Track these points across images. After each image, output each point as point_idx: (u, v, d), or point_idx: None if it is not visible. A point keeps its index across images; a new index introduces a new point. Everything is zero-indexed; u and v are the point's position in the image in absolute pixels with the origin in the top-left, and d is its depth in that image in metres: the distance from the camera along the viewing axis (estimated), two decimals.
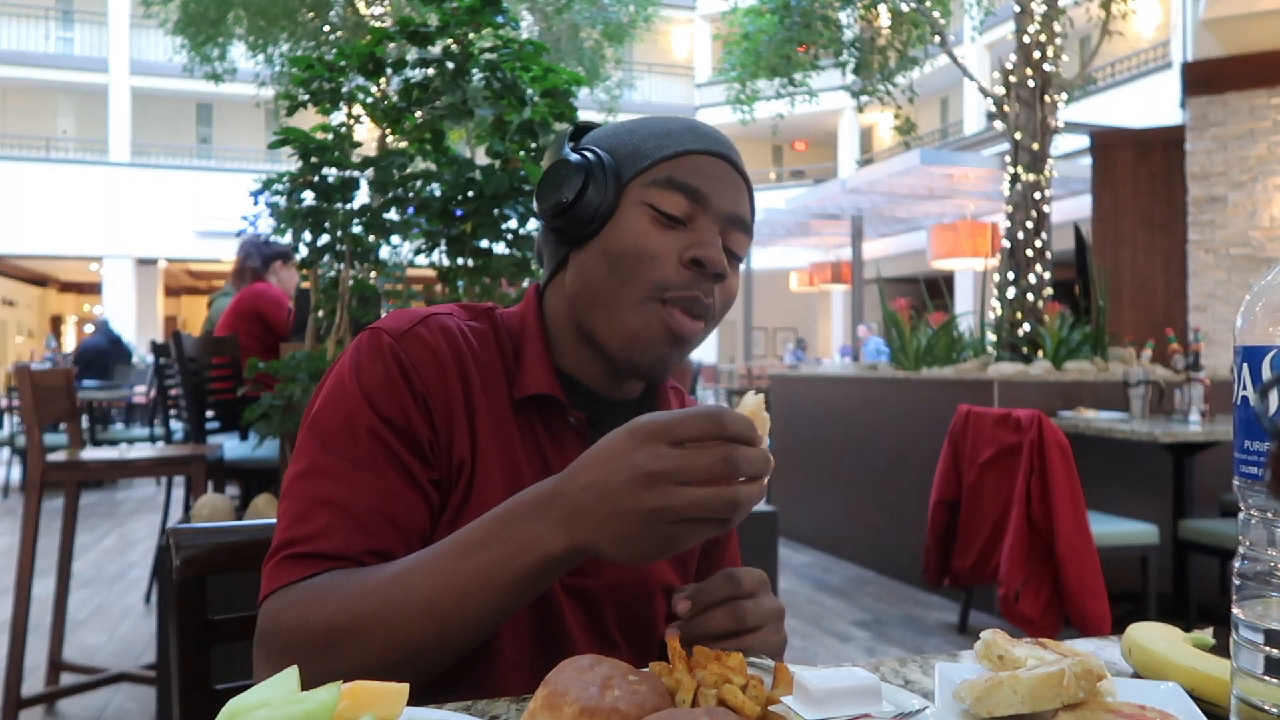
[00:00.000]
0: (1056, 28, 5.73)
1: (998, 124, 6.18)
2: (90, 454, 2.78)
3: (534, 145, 2.68)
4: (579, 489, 0.68)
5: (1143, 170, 7.16)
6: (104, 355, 8.41)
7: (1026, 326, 5.38)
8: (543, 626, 0.87)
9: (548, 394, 0.88)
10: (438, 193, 2.66)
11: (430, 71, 2.70)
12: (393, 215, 2.67)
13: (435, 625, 0.70)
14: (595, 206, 0.85)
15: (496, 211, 2.61)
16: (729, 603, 0.76)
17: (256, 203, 3.34)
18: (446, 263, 2.72)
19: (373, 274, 2.80)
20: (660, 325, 0.84)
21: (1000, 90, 5.90)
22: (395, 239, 2.86)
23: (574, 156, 0.87)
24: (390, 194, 2.64)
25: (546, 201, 0.88)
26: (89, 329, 10.19)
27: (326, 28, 10.33)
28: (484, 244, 2.71)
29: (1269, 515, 0.57)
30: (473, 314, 0.92)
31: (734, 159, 0.91)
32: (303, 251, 2.68)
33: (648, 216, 0.85)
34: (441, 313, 0.88)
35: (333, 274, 2.77)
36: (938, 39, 7.10)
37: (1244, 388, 0.58)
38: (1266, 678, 0.56)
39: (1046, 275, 5.56)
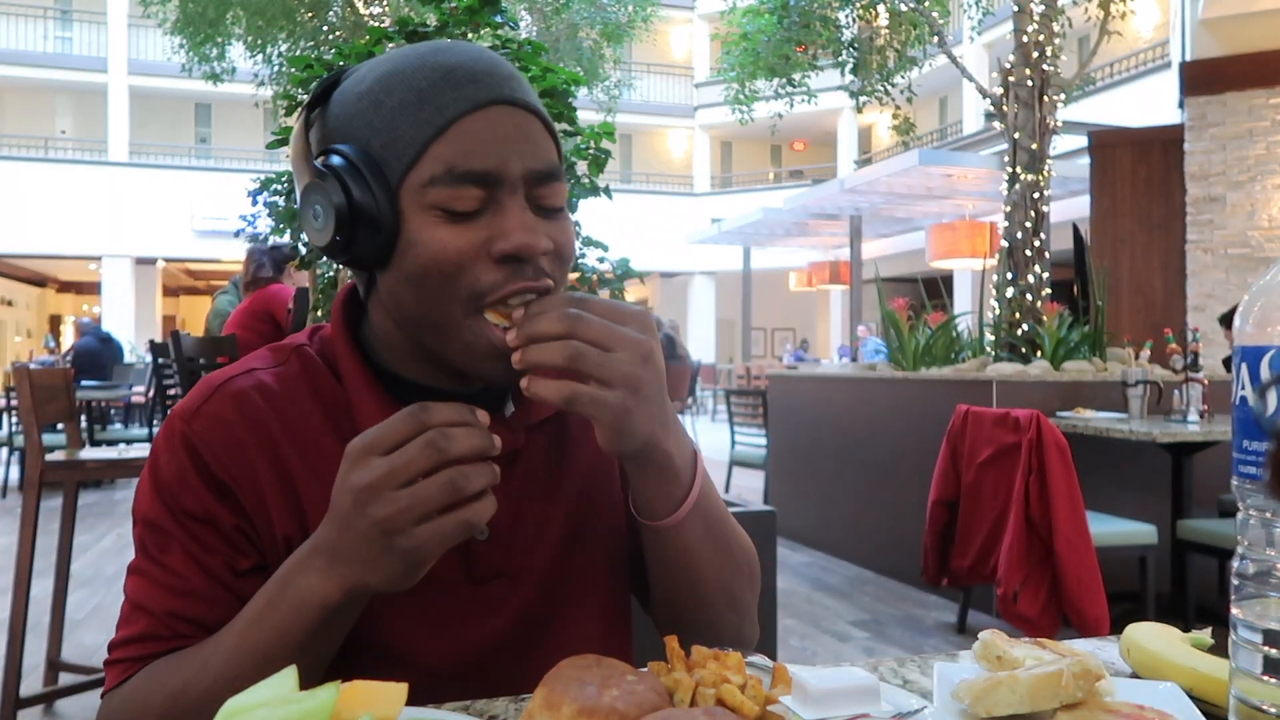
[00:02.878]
0: (1055, 28, 5.73)
1: (996, 124, 6.18)
2: (89, 454, 2.77)
3: None
4: (329, 526, 0.68)
5: (1141, 170, 7.17)
6: (97, 356, 8.41)
7: (1025, 326, 5.37)
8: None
9: None
10: None
11: None
12: None
13: None
14: (371, 235, 0.72)
15: None
16: (563, 340, 0.69)
17: (255, 202, 3.34)
18: None
19: None
20: (486, 344, 0.73)
21: (999, 90, 5.90)
22: None
23: (322, 169, 0.74)
24: None
25: (314, 239, 0.76)
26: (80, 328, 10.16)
27: (325, 27, 10.34)
28: None
29: (1267, 515, 0.57)
30: (280, 356, 0.84)
31: (514, 96, 0.75)
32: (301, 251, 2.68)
33: (437, 219, 0.72)
34: (239, 373, 0.81)
35: (331, 274, 2.77)
36: (936, 39, 7.11)
37: (1242, 388, 0.58)
38: (1265, 678, 0.56)
39: (1045, 275, 5.56)
